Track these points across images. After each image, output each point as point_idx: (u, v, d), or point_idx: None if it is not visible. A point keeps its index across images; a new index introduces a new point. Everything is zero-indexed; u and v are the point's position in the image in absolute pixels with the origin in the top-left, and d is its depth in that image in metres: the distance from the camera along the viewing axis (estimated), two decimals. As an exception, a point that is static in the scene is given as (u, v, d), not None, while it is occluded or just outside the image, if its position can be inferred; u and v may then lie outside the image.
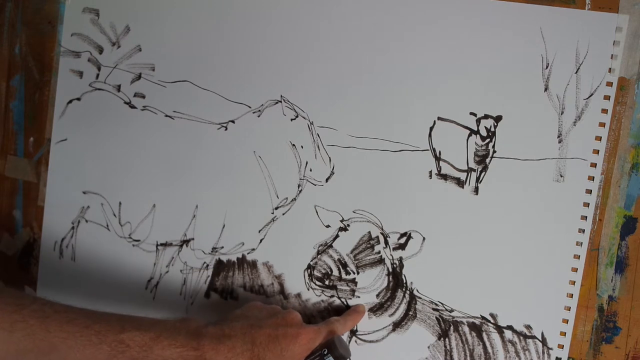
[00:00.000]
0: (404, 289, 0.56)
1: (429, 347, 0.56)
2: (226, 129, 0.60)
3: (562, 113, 0.52)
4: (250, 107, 0.59)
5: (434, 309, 0.56)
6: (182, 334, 0.47)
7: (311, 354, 0.51)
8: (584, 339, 0.53)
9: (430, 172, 0.55)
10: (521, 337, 0.54)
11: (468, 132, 0.54)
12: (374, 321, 0.57)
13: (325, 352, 0.51)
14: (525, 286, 0.53)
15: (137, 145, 0.62)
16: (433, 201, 0.55)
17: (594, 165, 0.52)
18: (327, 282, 0.58)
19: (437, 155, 0.55)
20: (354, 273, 0.57)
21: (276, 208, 0.59)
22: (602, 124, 0.51)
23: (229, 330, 0.48)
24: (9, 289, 0.48)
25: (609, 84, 0.51)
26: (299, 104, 0.58)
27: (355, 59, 0.56)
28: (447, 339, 0.55)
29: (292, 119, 0.58)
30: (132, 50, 0.62)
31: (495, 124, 0.53)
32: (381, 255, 0.57)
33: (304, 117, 0.58)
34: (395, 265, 0.56)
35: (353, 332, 0.57)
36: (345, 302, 0.58)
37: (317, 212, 0.58)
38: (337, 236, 0.58)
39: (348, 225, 0.57)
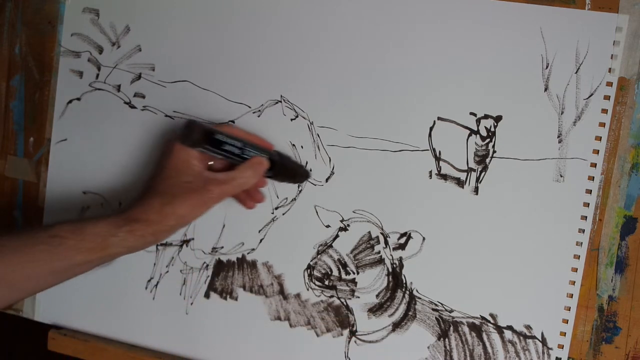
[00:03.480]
0: (403, 289, 0.56)
1: (428, 348, 0.56)
2: (226, 129, 0.60)
3: (562, 113, 0.52)
4: (250, 107, 0.59)
5: (433, 309, 0.56)
6: (109, 214, 0.51)
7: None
8: (584, 339, 0.53)
9: (430, 172, 0.55)
10: (521, 337, 0.54)
11: (468, 132, 0.54)
12: (374, 321, 0.57)
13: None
14: (525, 286, 0.53)
15: (137, 145, 0.62)
16: (433, 201, 0.55)
17: (594, 165, 0.52)
18: (326, 282, 0.58)
19: (437, 155, 0.55)
20: (353, 273, 0.57)
21: (276, 208, 0.59)
22: (602, 124, 0.51)
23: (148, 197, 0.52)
24: None
25: (609, 84, 0.51)
26: (299, 104, 0.58)
27: (356, 59, 0.56)
28: (447, 339, 0.55)
29: (292, 119, 0.58)
30: (132, 50, 0.62)
31: (495, 124, 0.53)
32: (381, 255, 0.57)
33: (304, 117, 0.58)
34: (395, 266, 0.56)
35: (353, 333, 0.57)
36: (344, 302, 0.58)
37: (317, 212, 0.58)
38: (337, 236, 0.58)
39: (348, 225, 0.57)
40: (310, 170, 0.58)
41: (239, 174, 0.52)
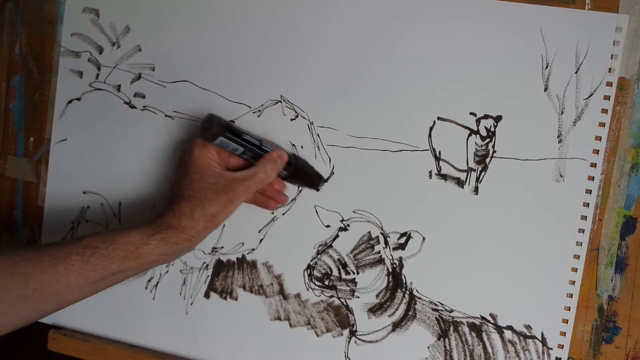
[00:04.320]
0: (403, 289, 0.56)
1: (428, 348, 0.56)
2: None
3: (562, 113, 0.52)
4: (250, 107, 0.59)
5: (433, 309, 0.56)
6: (140, 224, 0.51)
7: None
8: (584, 339, 0.53)
9: (430, 172, 0.55)
10: (521, 337, 0.54)
11: (468, 132, 0.54)
12: (374, 321, 0.57)
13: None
14: (525, 286, 0.53)
15: (137, 145, 0.62)
16: (433, 201, 0.55)
17: (594, 165, 0.52)
18: (326, 282, 0.58)
19: (437, 155, 0.55)
20: (353, 273, 0.57)
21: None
22: (602, 124, 0.51)
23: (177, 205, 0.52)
24: None
25: (609, 84, 0.51)
26: (299, 104, 0.58)
27: (355, 59, 0.56)
28: (446, 339, 0.55)
29: (292, 119, 0.58)
30: (132, 50, 0.62)
31: (495, 124, 0.53)
32: (381, 255, 0.57)
33: (304, 117, 0.58)
34: (395, 265, 0.56)
35: (353, 333, 0.57)
36: (344, 302, 0.58)
37: (317, 212, 0.58)
38: (337, 236, 0.58)
39: (348, 225, 0.57)
40: (327, 176, 0.58)
41: (260, 169, 0.53)
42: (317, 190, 0.57)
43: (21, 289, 0.46)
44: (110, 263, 0.49)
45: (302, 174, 0.57)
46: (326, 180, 0.57)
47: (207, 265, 0.61)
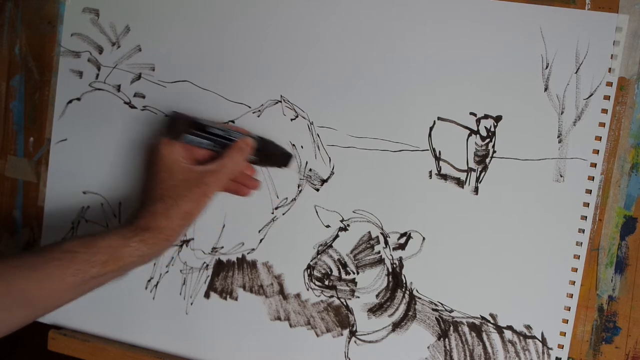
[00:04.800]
0: (403, 289, 0.56)
1: (428, 348, 0.56)
2: (226, 129, 0.60)
3: (562, 113, 0.52)
4: (250, 107, 0.59)
5: (433, 309, 0.56)
6: (118, 227, 0.52)
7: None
8: (584, 339, 0.53)
9: (430, 172, 0.55)
10: (521, 337, 0.54)
11: (468, 132, 0.54)
12: (374, 321, 0.57)
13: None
14: (525, 286, 0.53)
15: (137, 145, 0.62)
16: (433, 201, 0.55)
17: (594, 165, 0.52)
18: (326, 282, 0.58)
19: (437, 155, 0.55)
20: (353, 273, 0.57)
21: (276, 208, 0.59)
22: (602, 124, 0.51)
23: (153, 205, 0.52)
24: None
25: (609, 84, 0.51)
26: (299, 104, 0.58)
27: (355, 59, 0.56)
28: (446, 339, 0.55)
29: (292, 119, 0.58)
30: (132, 50, 0.62)
31: (495, 124, 0.53)
32: (381, 255, 0.57)
33: (304, 117, 0.58)
34: (395, 266, 0.56)
35: (353, 333, 0.57)
36: (344, 302, 0.58)
37: (317, 212, 0.58)
38: (337, 236, 0.58)
39: (348, 225, 0.57)
40: (292, 155, 0.58)
41: (229, 159, 0.53)
42: (287, 167, 0.58)
43: (3, 298, 0.46)
44: (91, 267, 0.49)
45: (271, 156, 0.57)
46: (291, 158, 0.58)
47: (207, 265, 0.61)
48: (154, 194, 0.52)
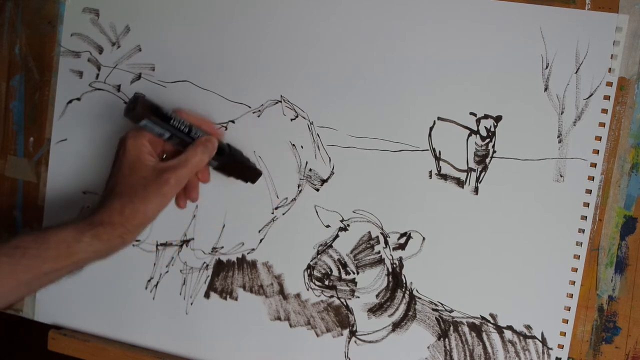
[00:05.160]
0: (403, 289, 0.56)
1: (428, 348, 0.56)
2: (226, 129, 0.60)
3: (562, 113, 0.52)
4: (250, 107, 0.59)
5: (433, 309, 0.56)
6: (73, 220, 0.50)
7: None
8: (584, 339, 0.53)
9: (430, 172, 0.55)
10: (521, 337, 0.54)
11: (468, 132, 0.54)
12: (374, 321, 0.57)
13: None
14: (525, 286, 0.53)
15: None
16: (433, 201, 0.55)
17: (594, 165, 0.52)
18: (326, 282, 0.58)
19: (437, 155, 0.55)
20: (353, 273, 0.57)
21: (276, 208, 0.59)
22: (602, 124, 0.51)
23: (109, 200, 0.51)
24: None
25: (609, 84, 0.51)
26: (299, 104, 0.58)
27: (355, 59, 0.56)
28: (446, 339, 0.55)
29: (292, 119, 0.58)
30: (132, 50, 0.62)
31: (495, 124, 0.53)
32: (381, 255, 0.57)
33: (304, 117, 0.58)
34: (395, 266, 0.56)
35: (353, 333, 0.57)
36: (344, 302, 0.58)
37: (317, 212, 0.58)
38: (337, 236, 0.58)
39: (348, 225, 0.57)
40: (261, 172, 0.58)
41: (191, 155, 0.51)
42: (253, 183, 0.57)
43: None
44: (42, 263, 0.47)
45: (236, 165, 0.56)
46: (259, 175, 0.57)
47: (207, 265, 0.61)
48: (114, 189, 0.51)
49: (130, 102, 0.50)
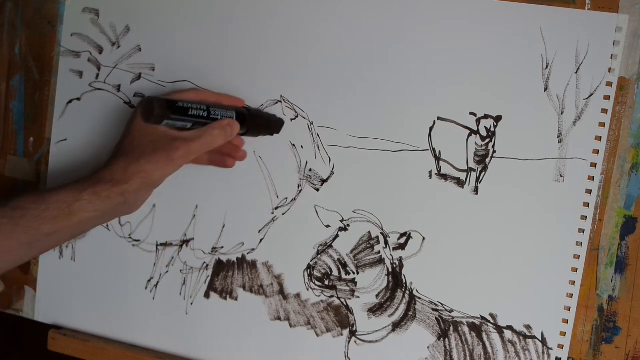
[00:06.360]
0: (403, 289, 0.56)
1: (428, 348, 0.56)
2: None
3: (562, 113, 0.52)
4: (250, 107, 0.59)
5: (433, 309, 0.56)
6: (74, 181, 0.49)
7: None
8: (584, 339, 0.53)
9: (430, 172, 0.55)
10: (521, 337, 0.54)
11: (468, 132, 0.54)
12: (374, 321, 0.57)
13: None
14: (525, 286, 0.53)
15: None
16: (433, 201, 0.55)
17: (594, 165, 0.52)
18: (326, 282, 0.58)
19: (437, 155, 0.55)
20: (353, 273, 0.57)
21: (276, 208, 0.59)
22: (602, 124, 0.51)
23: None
24: None
25: (609, 84, 0.51)
26: (299, 104, 0.58)
27: (355, 59, 0.56)
28: (446, 339, 0.55)
29: (292, 119, 0.58)
30: (132, 50, 0.62)
31: (495, 124, 0.53)
32: (381, 255, 0.57)
33: (304, 117, 0.58)
34: (395, 266, 0.56)
35: (353, 333, 0.57)
36: (344, 302, 0.58)
37: (317, 212, 0.58)
38: (337, 236, 0.58)
39: (348, 225, 0.57)
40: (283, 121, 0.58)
41: (207, 132, 0.51)
42: (279, 134, 0.57)
43: None
44: (42, 224, 0.47)
45: (260, 126, 0.56)
46: (282, 124, 0.57)
47: (207, 265, 0.61)
48: (120, 150, 0.50)
49: (145, 106, 0.49)
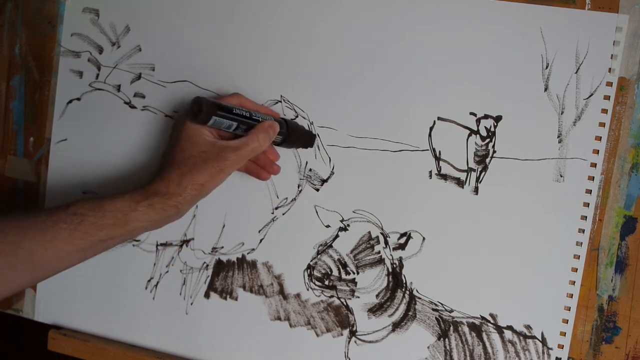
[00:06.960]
0: (403, 289, 0.56)
1: (428, 348, 0.56)
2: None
3: (562, 113, 0.52)
4: (250, 107, 0.59)
5: (433, 309, 0.56)
6: (129, 190, 0.51)
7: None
8: (584, 339, 0.53)
9: (430, 172, 0.55)
10: (521, 337, 0.54)
11: (468, 132, 0.54)
12: (374, 321, 0.57)
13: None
14: (525, 286, 0.53)
15: (137, 146, 0.62)
16: (433, 201, 0.55)
17: (594, 165, 0.52)
18: (326, 282, 0.58)
19: (437, 155, 0.55)
20: (353, 273, 0.57)
21: (276, 208, 0.59)
22: (602, 124, 0.51)
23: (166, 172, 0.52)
24: None
25: (609, 84, 0.51)
26: (299, 104, 0.58)
27: (355, 59, 0.56)
28: (446, 339, 0.55)
29: (292, 119, 0.58)
30: (132, 50, 0.62)
31: (495, 124, 0.53)
32: (381, 255, 0.57)
33: (304, 117, 0.58)
34: (395, 266, 0.56)
35: (353, 333, 0.57)
36: (344, 302, 0.58)
37: (317, 212, 0.58)
38: (337, 236, 0.58)
39: (348, 225, 0.57)
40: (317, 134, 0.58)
41: (253, 138, 0.52)
42: (312, 147, 0.58)
43: (10, 258, 0.46)
44: (99, 230, 0.49)
45: (296, 137, 0.56)
46: (315, 138, 0.58)
47: (207, 265, 0.61)
48: (172, 161, 0.52)
49: (193, 107, 0.50)
